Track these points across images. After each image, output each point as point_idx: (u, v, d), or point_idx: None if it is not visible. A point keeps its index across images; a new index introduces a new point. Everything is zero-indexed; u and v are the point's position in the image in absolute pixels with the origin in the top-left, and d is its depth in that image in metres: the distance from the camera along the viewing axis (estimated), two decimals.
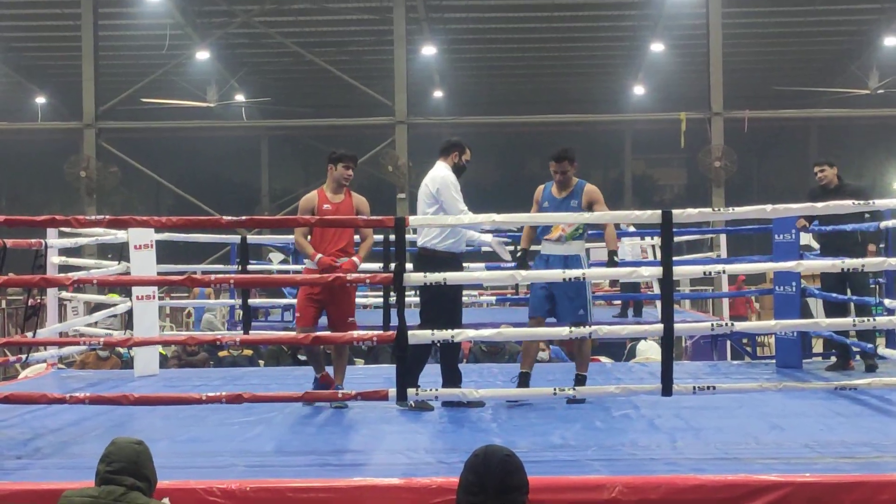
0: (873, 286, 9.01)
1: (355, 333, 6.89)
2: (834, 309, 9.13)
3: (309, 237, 7.47)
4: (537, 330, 7.51)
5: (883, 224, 8.51)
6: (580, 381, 7.42)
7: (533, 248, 7.71)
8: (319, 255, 7.31)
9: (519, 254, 7.64)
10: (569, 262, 7.27)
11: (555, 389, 6.69)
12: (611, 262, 7.47)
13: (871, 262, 7.21)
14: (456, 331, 6.53)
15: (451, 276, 6.68)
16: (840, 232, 8.82)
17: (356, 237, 7.53)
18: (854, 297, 8.87)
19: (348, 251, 7.44)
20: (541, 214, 7.37)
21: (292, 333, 7.21)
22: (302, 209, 7.49)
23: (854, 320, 6.97)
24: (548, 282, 7.23)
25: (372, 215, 7.15)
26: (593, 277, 6.93)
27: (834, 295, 8.95)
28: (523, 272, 7.16)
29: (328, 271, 7.17)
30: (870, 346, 8.50)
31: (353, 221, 7.15)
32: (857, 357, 9.05)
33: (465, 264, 8.12)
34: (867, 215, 8.68)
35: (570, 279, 6.75)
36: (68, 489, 4.25)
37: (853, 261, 7.02)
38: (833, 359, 9.28)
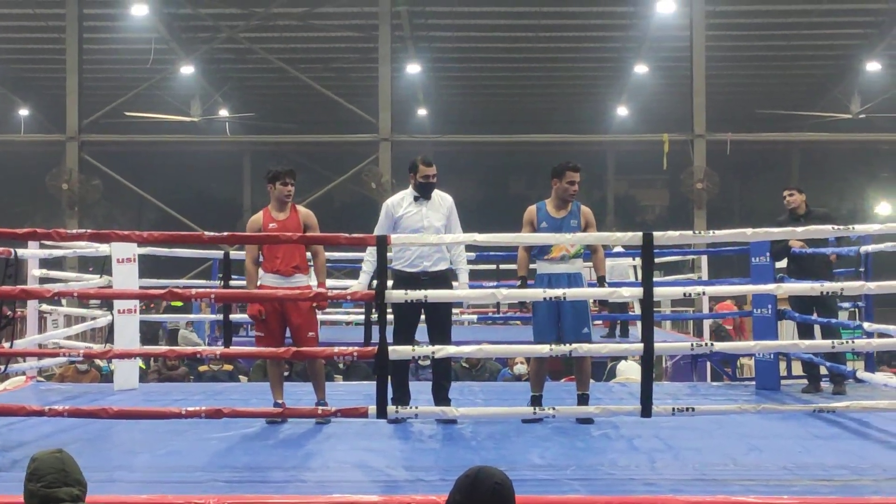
0: (852, 309, 9.05)
1: (336, 349, 6.84)
2: (806, 331, 9.19)
3: (261, 259, 7.40)
4: (518, 347, 7.53)
5: (862, 249, 8.57)
6: (584, 400, 7.36)
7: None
8: (258, 308, 7.28)
9: (519, 282, 7.53)
10: (573, 280, 7.29)
11: (534, 408, 6.73)
12: (601, 286, 7.48)
13: (850, 287, 7.22)
14: (437, 347, 6.56)
15: (433, 294, 6.68)
16: (811, 255, 8.89)
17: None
18: (824, 320, 8.91)
19: (301, 268, 7.38)
20: (523, 235, 7.30)
21: (272, 349, 7.17)
22: (249, 231, 7.37)
23: (833, 343, 7.00)
24: (554, 303, 7.15)
25: (355, 233, 7.08)
26: (574, 296, 6.93)
27: (814, 317, 8.98)
28: (504, 291, 7.13)
29: (255, 317, 7.29)
30: (849, 370, 8.50)
31: (336, 239, 6.97)
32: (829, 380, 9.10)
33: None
34: (831, 239, 8.82)
35: (561, 299, 6.74)
36: None
37: (832, 284, 7.06)
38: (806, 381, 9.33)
